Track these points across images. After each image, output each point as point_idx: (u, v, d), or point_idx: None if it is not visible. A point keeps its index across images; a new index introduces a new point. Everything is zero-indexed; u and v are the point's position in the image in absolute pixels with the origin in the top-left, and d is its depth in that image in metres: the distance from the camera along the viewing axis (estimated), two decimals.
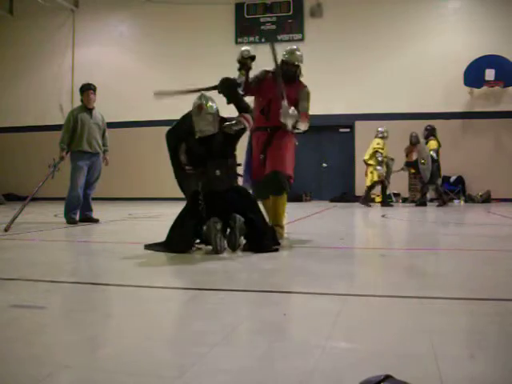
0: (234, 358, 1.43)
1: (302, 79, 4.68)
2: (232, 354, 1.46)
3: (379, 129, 10.82)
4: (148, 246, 3.69)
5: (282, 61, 4.58)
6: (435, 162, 10.34)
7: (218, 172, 3.63)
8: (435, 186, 10.54)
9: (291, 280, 2.67)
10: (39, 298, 2.18)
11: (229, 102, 4.01)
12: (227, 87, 4.04)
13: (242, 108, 3.95)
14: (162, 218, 7.37)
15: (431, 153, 10.35)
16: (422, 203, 10.56)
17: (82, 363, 1.41)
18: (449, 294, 2.24)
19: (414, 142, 11.14)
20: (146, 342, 1.58)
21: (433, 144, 10.50)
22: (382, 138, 10.66)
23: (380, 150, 10.50)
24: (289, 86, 4.44)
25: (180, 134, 3.84)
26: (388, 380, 1.02)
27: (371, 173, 10.61)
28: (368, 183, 10.70)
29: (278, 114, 4.28)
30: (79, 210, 6.22)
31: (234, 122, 3.76)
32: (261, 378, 1.29)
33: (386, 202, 10.89)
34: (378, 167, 10.50)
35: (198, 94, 3.86)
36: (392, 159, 10.94)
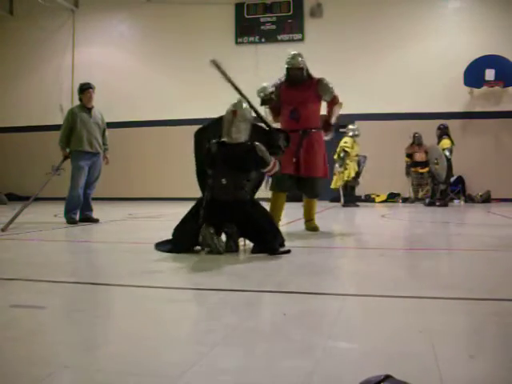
0: (234, 358, 1.43)
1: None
2: (232, 354, 1.46)
3: (350, 126, 10.60)
4: (157, 246, 3.68)
5: (287, 68, 4.94)
6: (448, 160, 10.25)
7: (224, 180, 3.53)
8: (445, 186, 10.46)
9: (291, 280, 2.67)
10: (39, 298, 2.18)
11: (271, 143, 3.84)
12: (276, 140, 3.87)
13: (276, 150, 3.80)
14: (162, 218, 7.37)
15: (445, 152, 10.27)
16: (431, 203, 10.51)
17: (82, 363, 1.41)
18: (449, 294, 2.24)
19: (417, 143, 11.13)
20: (146, 342, 1.58)
21: (446, 143, 10.40)
22: (352, 136, 10.43)
23: (346, 149, 10.31)
24: (302, 90, 4.86)
25: (209, 134, 3.73)
26: (388, 380, 1.02)
27: (341, 173, 10.42)
28: (337, 184, 10.47)
29: (307, 117, 4.77)
30: (79, 210, 6.21)
31: (267, 151, 3.61)
32: (261, 378, 1.29)
33: (352, 201, 10.56)
34: (339, 168, 10.28)
35: (237, 99, 3.75)
36: (364, 156, 10.74)
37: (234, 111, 3.60)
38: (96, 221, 6.25)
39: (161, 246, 3.67)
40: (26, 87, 14.93)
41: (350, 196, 10.62)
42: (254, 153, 3.56)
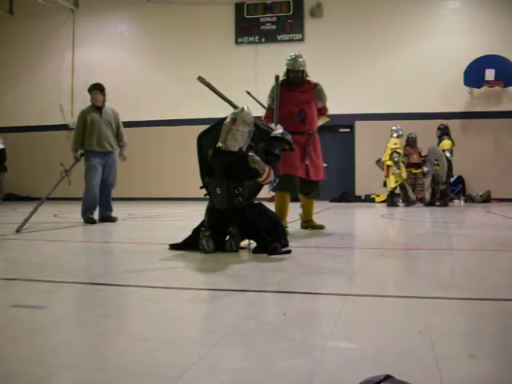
0: (234, 358, 1.43)
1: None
2: (232, 354, 1.46)
3: (393, 127, 10.61)
4: (174, 246, 3.67)
5: (288, 69, 4.99)
6: (449, 161, 10.22)
7: (218, 190, 3.53)
8: (446, 186, 10.45)
9: (291, 280, 2.67)
10: (39, 298, 2.18)
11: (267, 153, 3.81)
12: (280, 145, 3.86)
13: (273, 158, 3.75)
14: (161, 218, 7.37)
15: (446, 153, 10.24)
16: (430, 203, 10.50)
17: (82, 363, 1.41)
18: (449, 294, 2.24)
19: (411, 144, 11.12)
20: (146, 342, 1.58)
21: (447, 144, 10.39)
22: (398, 136, 10.47)
23: (398, 150, 10.34)
24: (303, 91, 4.94)
25: (211, 138, 3.69)
26: (388, 380, 1.02)
27: (393, 174, 10.43)
28: (392, 185, 10.49)
29: (312, 118, 4.91)
30: (99, 210, 6.24)
31: (260, 161, 3.56)
32: (261, 378, 1.28)
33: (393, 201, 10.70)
34: (396, 170, 10.34)
35: (239, 107, 3.72)
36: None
37: (234, 119, 3.55)
38: (114, 220, 6.27)
39: (179, 245, 3.68)
40: (26, 87, 14.93)
41: (405, 196, 10.64)
42: (246, 163, 3.51)
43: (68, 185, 5.93)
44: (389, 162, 10.45)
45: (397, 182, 10.44)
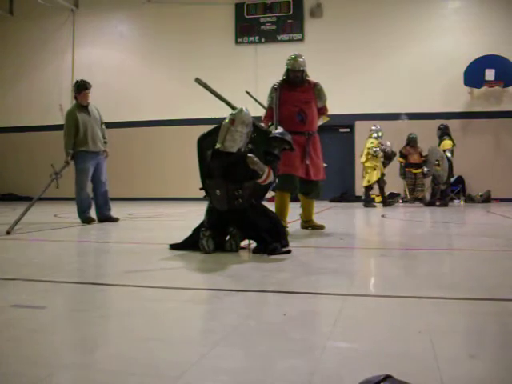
0: (234, 357, 1.43)
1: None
2: (232, 354, 1.46)
3: (373, 127, 10.54)
4: (174, 246, 3.67)
5: (288, 69, 4.97)
6: (449, 161, 10.20)
7: (218, 192, 3.53)
8: (446, 186, 10.44)
9: (291, 280, 2.67)
10: (39, 298, 2.18)
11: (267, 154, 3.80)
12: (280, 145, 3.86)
13: (272, 158, 3.76)
14: (161, 218, 7.37)
15: (446, 153, 10.23)
16: (430, 203, 10.49)
17: (82, 363, 1.41)
18: (449, 294, 2.24)
19: (412, 144, 11.10)
20: (146, 342, 1.58)
21: (447, 144, 10.37)
22: (376, 137, 10.40)
23: (374, 148, 10.33)
24: (303, 91, 4.93)
25: (212, 141, 3.68)
26: (388, 380, 1.02)
27: (367, 173, 10.45)
28: (365, 184, 10.55)
29: (312, 118, 4.90)
30: (97, 210, 6.25)
31: (259, 162, 3.55)
32: (261, 378, 1.29)
33: (387, 201, 10.74)
34: (386, 161, 10.36)
35: (237, 107, 3.71)
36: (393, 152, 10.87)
37: (233, 120, 3.55)
38: (116, 220, 6.25)
39: (179, 245, 3.68)
40: (26, 87, 14.93)
41: (369, 196, 10.63)
42: (245, 164, 3.51)
43: (56, 188, 5.83)
44: (367, 164, 10.41)
45: (369, 181, 10.41)
